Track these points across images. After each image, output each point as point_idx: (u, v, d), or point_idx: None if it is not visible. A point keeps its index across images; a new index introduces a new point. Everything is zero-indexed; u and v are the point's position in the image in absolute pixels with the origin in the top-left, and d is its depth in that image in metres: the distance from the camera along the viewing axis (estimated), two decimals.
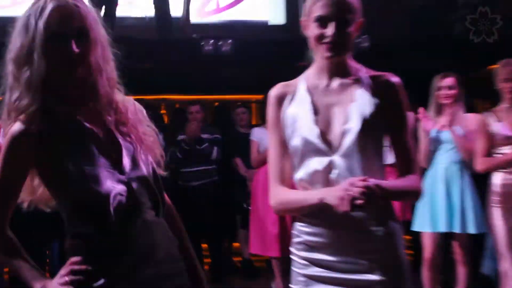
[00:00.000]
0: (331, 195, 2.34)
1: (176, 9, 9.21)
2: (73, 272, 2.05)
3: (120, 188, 2.10)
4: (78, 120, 2.13)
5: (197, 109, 7.67)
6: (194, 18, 9.43)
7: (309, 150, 2.50)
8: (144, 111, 2.35)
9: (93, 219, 2.08)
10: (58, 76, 2.08)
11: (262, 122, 7.49)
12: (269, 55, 8.58)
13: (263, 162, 6.71)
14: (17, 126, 2.07)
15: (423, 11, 9.16)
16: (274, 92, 2.62)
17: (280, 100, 2.59)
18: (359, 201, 2.26)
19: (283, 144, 2.58)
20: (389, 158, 2.64)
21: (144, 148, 2.24)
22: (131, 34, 8.44)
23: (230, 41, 8.45)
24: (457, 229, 5.41)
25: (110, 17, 8.46)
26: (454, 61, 8.33)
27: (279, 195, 2.57)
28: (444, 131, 5.54)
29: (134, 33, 8.59)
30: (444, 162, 5.56)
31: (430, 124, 5.55)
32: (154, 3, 9.07)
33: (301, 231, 2.57)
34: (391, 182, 2.50)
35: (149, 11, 9.26)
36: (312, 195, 2.45)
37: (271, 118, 2.62)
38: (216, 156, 7.50)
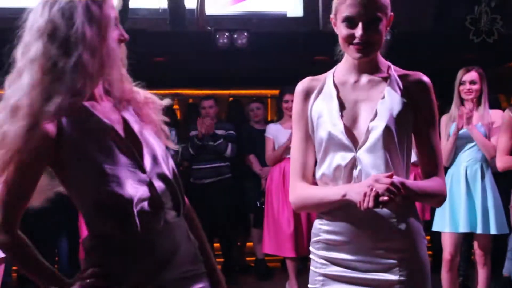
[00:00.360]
0: (354, 191, 2.34)
1: (190, 1, 9.09)
2: (92, 275, 2.05)
3: (143, 191, 2.08)
4: (97, 117, 2.09)
5: (210, 104, 7.57)
6: (208, 10, 9.31)
7: (333, 144, 2.48)
8: (159, 103, 2.32)
9: (114, 220, 2.06)
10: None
11: (277, 118, 7.39)
12: (286, 48, 8.47)
13: (278, 159, 6.66)
14: (36, 126, 1.97)
15: (447, 4, 9.03)
16: (300, 86, 2.60)
17: (307, 94, 2.58)
18: (384, 198, 2.25)
19: (307, 139, 2.58)
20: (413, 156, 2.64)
21: (157, 134, 2.23)
22: (143, 26, 8.36)
23: (245, 33, 8.33)
24: (478, 230, 5.35)
25: (123, 8, 8.36)
26: (479, 54, 8.20)
27: (299, 190, 2.55)
28: (466, 128, 5.38)
29: (146, 26, 8.52)
30: (466, 160, 5.50)
31: (460, 122, 5.39)
32: None
33: (320, 229, 2.55)
34: (416, 182, 2.49)
35: (162, 2, 9.17)
36: (334, 191, 2.43)
37: (296, 112, 2.60)
38: (230, 153, 7.40)
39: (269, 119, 9.14)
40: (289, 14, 10.61)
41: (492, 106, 5.65)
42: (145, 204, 2.08)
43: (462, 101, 5.52)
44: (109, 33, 2.05)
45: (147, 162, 2.13)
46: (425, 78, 2.53)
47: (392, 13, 2.49)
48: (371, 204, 2.25)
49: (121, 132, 2.12)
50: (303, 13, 10.50)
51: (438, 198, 2.52)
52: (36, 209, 2.12)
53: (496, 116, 5.42)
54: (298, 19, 10.44)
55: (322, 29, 9.89)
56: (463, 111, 5.40)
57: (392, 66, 2.57)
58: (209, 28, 8.70)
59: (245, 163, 7.63)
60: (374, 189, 2.26)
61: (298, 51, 8.56)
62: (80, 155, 2.03)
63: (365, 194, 2.27)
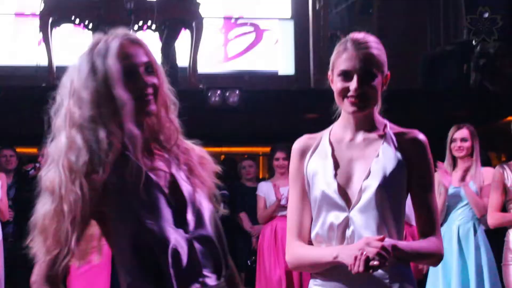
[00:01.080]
0: (346, 253, 2.32)
1: (183, 59, 9.17)
2: None
3: (182, 248, 2.06)
4: (144, 172, 2.06)
5: None
6: (201, 68, 9.38)
7: (327, 204, 2.46)
8: (214, 167, 2.30)
9: (150, 276, 2.04)
10: (135, 112, 2.06)
11: (269, 175, 7.39)
12: (278, 106, 8.52)
13: (270, 217, 6.62)
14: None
15: (438, 60, 9.13)
16: (297, 144, 2.60)
17: (303, 152, 2.57)
18: (374, 262, 2.23)
19: (304, 198, 2.55)
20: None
21: (207, 196, 2.21)
22: None
23: (237, 91, 8.39)
24: None
25: None
26: (469, 112, 8.25)
27: (294, 249, 2.52)
28: (458, 187, 5.39)
29: None
30: (458, 219, 5.44)
31: (448, 179, 5.38)
32: (162, 52, 9.05)
33: None
34: (410, 243, 2.50)
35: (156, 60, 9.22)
36: (327, 252, 2.41)
37: (293, 170, 2.59)
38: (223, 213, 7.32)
39: (260, 176, 9.13)
40: (281, 73, 10.73)
41: (483, 164, 5.65)
42: (183, 264, 2.05)
43: (454, 159, 5.53)
44: (115, 85, 2.05)
45: (190, 221, 2.10)
46: (421, 136, 2.52)
47: (389, 72, 2.50)
48: (361, 268, 2.23)
49: (165, 188, 2.10)
50: (294, 71, 10.61)
51: (434, 258, 2.50)
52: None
53: (488, 174, 5.42)
54: (289, 77, 10.55)
55: (314, 87, 9.98)
56: (442, 168, 5.39)
57: (389, 124, 2.56)
58: (201, 86, 8.76)
59: (236, 221, 7.56)
60: (364, 253, 2.23)
61: (289, 109, 8.61)
62: (122, 207, 2.04)
63: (355, 258, 2.25)
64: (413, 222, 5.28)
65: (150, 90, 2.09)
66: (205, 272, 2.11)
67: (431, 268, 5.41)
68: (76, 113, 2.04)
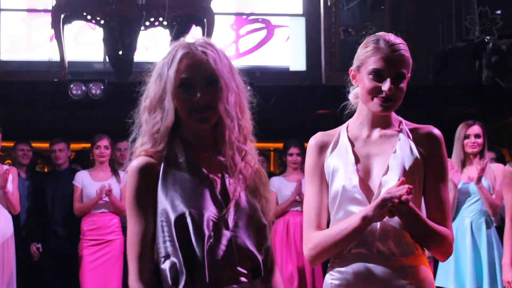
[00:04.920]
0: (371, 208, 2.39)
1: None
2: None
3: (220, 241, 2.11)
4: (198, 165, 2.18)
5: None
6: None
7: (347, 198, 2.52)
8: (266, 181, 2.34)
9: (185, 266, 2.07)
10: (186, 123, 2.18)
11: (281, 171, 7.39)
12: (289, 102, 8.52)
13: (281, 213, 6.61)
14: (140, 159, 2.16)
15: (450, 57, 9.10)
16: (315, 140, 2.66)
17: (322, 148, 2.63)
18: (403, 197, 2.30)
19: (322, 192, 2.60)
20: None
21: (258, 208, 2.23)
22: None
23: (249, 87, 8.37)
24: (486, 285, 5.27)
25: (127, 61, 8.46)
26: (481, 108, 8.23)
27: (315, 236, 2.54)
28: (469, 182, 5.40)
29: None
30: (470, 214, 5.47)
31: (458, 177, 5.39)
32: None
33: (332, 284, 2.56)
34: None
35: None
36: (353, 220, 2.45)
37: (311, 165, 2.64)
38: None
39: (271, 171, 9.13)
40: (292, 68, 10.72)
41: (498, 160, 5.65)
42: (218, 258, 2.10)
43: (464, 156, 5.52)
44: (167, 95, 2.15)
45: (230, 220, 2.14)
46: (436, 131, 2.58)
47: (410, 75, 2.55)
48: (386, 213, 2.34)
49: (216, 183, 2.17)
50: (306, 67, 10.60)
51: (446, 244, 2.52)
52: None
53: (498, 170, 5.42)
54: (301, 73, 10.53)
55: (325, 83, 9.97)
56: (452, 165, 5.39)
57: (404, 121, 2.63)
58: None
59: None
60: (390, 194, 2.33)
61: (300, 104, 8.61)
62: (170, 197, 2.11)
63: (381, 206, 2.34)
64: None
65: (205, 104, 2.14)
66: (240, 268, 2.15)
67: (441, 264, 5.40)
68: (141, 115, 2.22)
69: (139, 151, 2.19)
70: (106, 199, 6.52)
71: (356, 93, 2.65)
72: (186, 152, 2.18)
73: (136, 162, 2.16)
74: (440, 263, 5.43)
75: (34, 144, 7.73)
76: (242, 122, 2.23)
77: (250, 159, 2.26)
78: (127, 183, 2.16)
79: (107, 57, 9.13)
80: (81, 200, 6.65)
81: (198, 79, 2.15)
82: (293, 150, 6.43)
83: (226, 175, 2.20)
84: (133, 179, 2.14)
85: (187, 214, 2.07)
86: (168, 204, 2.10)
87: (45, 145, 7.77)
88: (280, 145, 7.60)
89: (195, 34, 9.27)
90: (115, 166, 6.97)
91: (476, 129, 5.50)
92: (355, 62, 2.58)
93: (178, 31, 8.76)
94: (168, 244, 2.09)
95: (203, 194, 2.14)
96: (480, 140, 5.48)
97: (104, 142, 6.71)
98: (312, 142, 2.65)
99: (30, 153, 7.47)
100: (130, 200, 2.14)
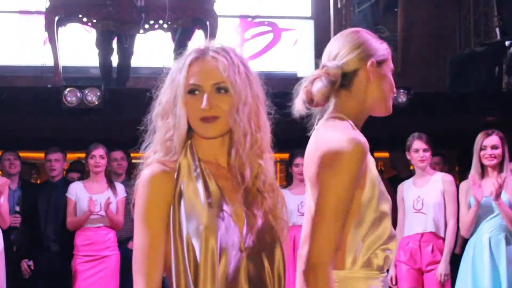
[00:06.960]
0: None
1: None
2: None
3: (231, 258, 2.11)
4: (213, 180, 2.17)
5: None
6: None
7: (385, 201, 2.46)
8: (282, 200, 2.30)
9: (196, 286, 2.07)
10: (198, 131, 2.18)
11: (287, 183, 7.36)
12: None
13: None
14: (153, 167, 2.16)
15: (468, 62, 9.08)
16: (361, 145, 2.38)
17: (365, 156, 2.39)
18: None
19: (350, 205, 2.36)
20: None
21: (269, 226, 2.21)
22: (146, 85, 8.41)
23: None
24: None
25: (124, 67, 8.47)
26: (501, 117, 8.19)
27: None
28: (488, 196, 5.35)
29: (149, 85, 8.55)
30: (488, 231, 5.46)
31: (481, 193, 5.34)
32: (175, 53, 9.06)
33: None
34: None
35: (166, 61, 9.24)
36: None
37: (354, 174, 2.35)
38: None
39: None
40: (300, 74, 10.71)
41: None
42: (229, 279, 2.10)
43: (482, 167, 5.49)
44: (177, 102, 2.17)
45: (244, 240, 2.15)
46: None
47: None
48: None
49: (230, 202, 2.17)
50: None
51: None
52: None
53: None
54: None
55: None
56: (475, 181, 5.37)
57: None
58: None
59: None
60: None
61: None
62: (180, 207, 2.12)
63: None
64: (442, 233, 5.32)
65: (212, 113, 2.14)
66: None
67: (461, 280, 5.43)
68: (153, 122, 2.23)
69: (151, 159, 2.19)
70: (102, 212, 6.51)
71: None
72: (201, 164, 2.17)
73: (149, 169, 2.15)
74: (458, 281, 5.43)
75: (26, 154, 7.72)
76: (259, 135, 2.20)
77: (264, 174, 2.22)
78: (138, 191, 2.15)
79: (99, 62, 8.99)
80: (75, 214, 6.65)
81: (206, 86, 2.15)
82: (299, 160, 6.51)
83: (237, 190, 2.19)
84: (146, 188, 2.13)
85: (200, 231, 2.07)
86: (181, 219, 2.10)
87: (38, 155, 7.76)
88: (286, 155, 7.58)
89: (197, 38, 9.28)
90: (112, 177, 6.96)
91: (493, 139, 5.46)
92: (376, 56, 2.53)
93: (180, 35, 8.78)
94: (178, 261, 2.09)
95: (217, 212, 2.12)
96: (497, 152, 5.44)
97: (100, 151, 6.70)
98: (358, 149, 2.35)
99: (17, 162, 7.44)
100: (141, 209, 2.13)
